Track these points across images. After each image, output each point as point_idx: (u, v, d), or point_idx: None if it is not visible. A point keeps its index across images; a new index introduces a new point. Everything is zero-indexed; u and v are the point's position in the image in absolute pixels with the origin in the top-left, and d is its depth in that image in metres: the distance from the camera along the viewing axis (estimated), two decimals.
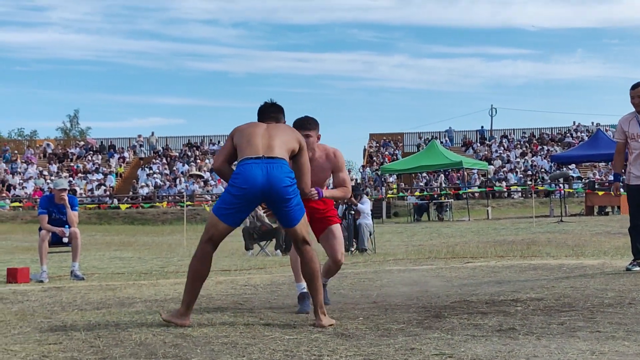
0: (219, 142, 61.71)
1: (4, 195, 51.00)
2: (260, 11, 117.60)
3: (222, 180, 46.74)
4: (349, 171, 57.00)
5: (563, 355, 5.28)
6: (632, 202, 11.00)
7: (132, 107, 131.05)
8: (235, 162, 7.24)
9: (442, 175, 48.57)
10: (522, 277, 10.56)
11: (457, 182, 46.89)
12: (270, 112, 7.56)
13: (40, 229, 12.97)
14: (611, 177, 39.36)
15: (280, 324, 6.97)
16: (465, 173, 45.97)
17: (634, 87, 10.79)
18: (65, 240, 12.92)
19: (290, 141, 7.23)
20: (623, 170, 11.36)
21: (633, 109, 10.87)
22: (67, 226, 12.92)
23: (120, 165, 58.26)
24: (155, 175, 53.64)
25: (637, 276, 10.10)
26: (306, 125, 7.91)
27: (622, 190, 11.80)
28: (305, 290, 7.89)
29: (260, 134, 7.16)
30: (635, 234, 10.86)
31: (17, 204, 48.54)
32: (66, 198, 12.90)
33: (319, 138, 8.10)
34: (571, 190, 40.07)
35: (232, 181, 7.02)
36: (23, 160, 58.80)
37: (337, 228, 8.27)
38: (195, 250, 7.10)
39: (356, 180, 47.91)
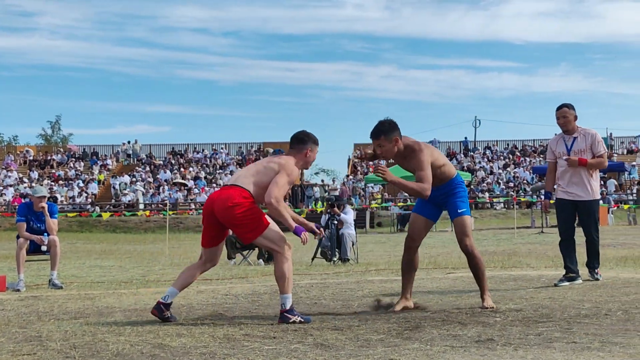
0: (203, 150, 61.59)
1: None
2: (251, 20, 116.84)
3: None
4: (333, 180, 57.09)
5: None
6: (559, 217, 11.16)
7: (118, 115, 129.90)
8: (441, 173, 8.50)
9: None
10: (502, 288, 10.59)
11: None
12: None
13: (18, 237, 12.91)
14: None
15: (260, 334, 6.96)
16: None
17: (558, 109, 10.89)
18: (44, 248, 12.80)
19: None
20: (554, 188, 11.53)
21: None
22: (46, 234, 12.84)
23: (102, 173, 58.06)
24: (138, 183, 53.48)
25: (613, 287, 10.15)
26: None
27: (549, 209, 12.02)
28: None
29: None
30: (564, 249, 10.93)
31: None
32: (45, 205, 12.82)
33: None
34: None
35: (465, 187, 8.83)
36: (3, 167, 58.49)
37: None
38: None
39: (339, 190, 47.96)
